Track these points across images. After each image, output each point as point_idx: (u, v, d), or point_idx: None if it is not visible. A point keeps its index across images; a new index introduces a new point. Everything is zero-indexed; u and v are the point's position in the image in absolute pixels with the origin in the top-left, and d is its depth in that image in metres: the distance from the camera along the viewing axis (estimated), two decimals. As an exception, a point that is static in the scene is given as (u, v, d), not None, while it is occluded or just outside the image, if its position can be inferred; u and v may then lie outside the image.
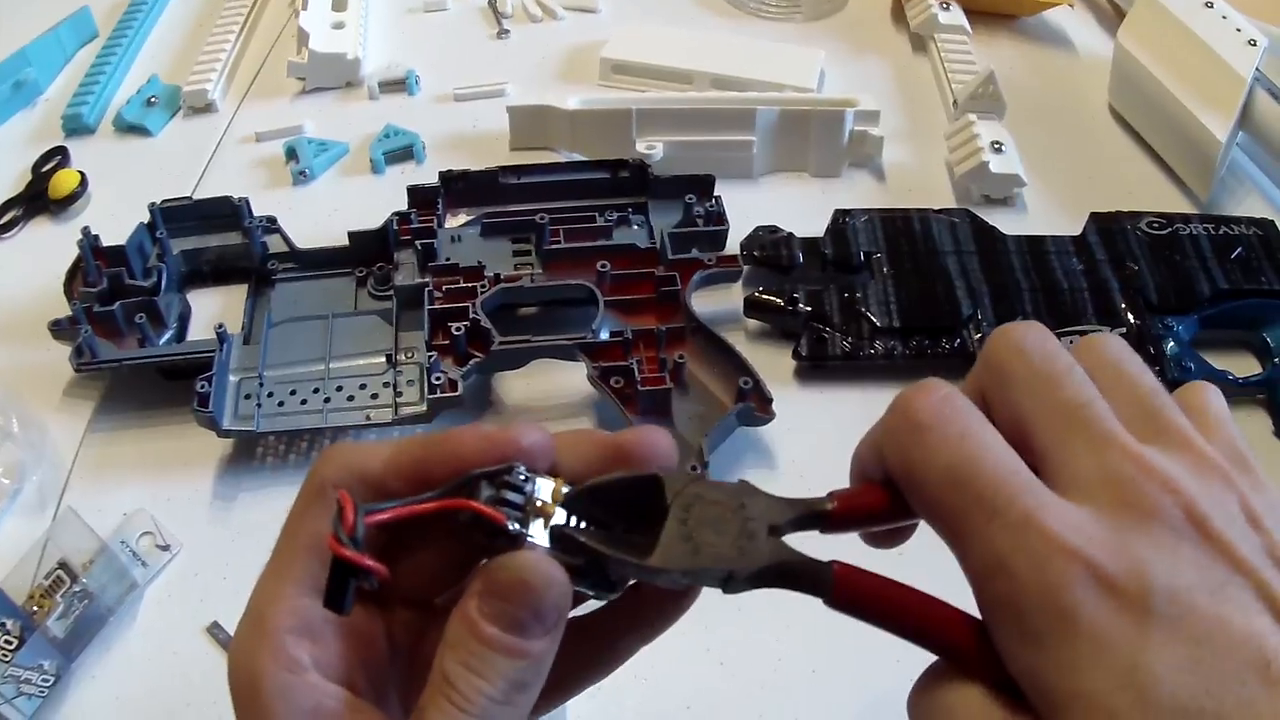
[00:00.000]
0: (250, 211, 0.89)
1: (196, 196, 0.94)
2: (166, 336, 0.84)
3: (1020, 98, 1.07)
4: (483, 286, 0.83)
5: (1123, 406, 0.36)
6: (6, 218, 0.98)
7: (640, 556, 0.37)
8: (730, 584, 0.37)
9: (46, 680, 0.66)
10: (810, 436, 0.81)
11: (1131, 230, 0.93)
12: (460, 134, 1.07)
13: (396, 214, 0.88)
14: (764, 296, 0.86)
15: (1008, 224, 0.94)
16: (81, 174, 1.00)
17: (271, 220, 0.89)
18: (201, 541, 0.75)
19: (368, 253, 0.88)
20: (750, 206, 0.94)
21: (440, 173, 0.92)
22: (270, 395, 0.79)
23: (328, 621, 0.38)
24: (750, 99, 1.00)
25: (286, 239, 0.89)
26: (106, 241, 0.86)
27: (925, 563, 0.39)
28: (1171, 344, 0.85)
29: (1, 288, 0.92)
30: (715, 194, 0.92)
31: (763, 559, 0.37)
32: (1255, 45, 0.98)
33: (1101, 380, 0.37)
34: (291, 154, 1.03)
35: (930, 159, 1.05)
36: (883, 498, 0.38)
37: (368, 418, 0.77)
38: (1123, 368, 0.38)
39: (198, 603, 0.72)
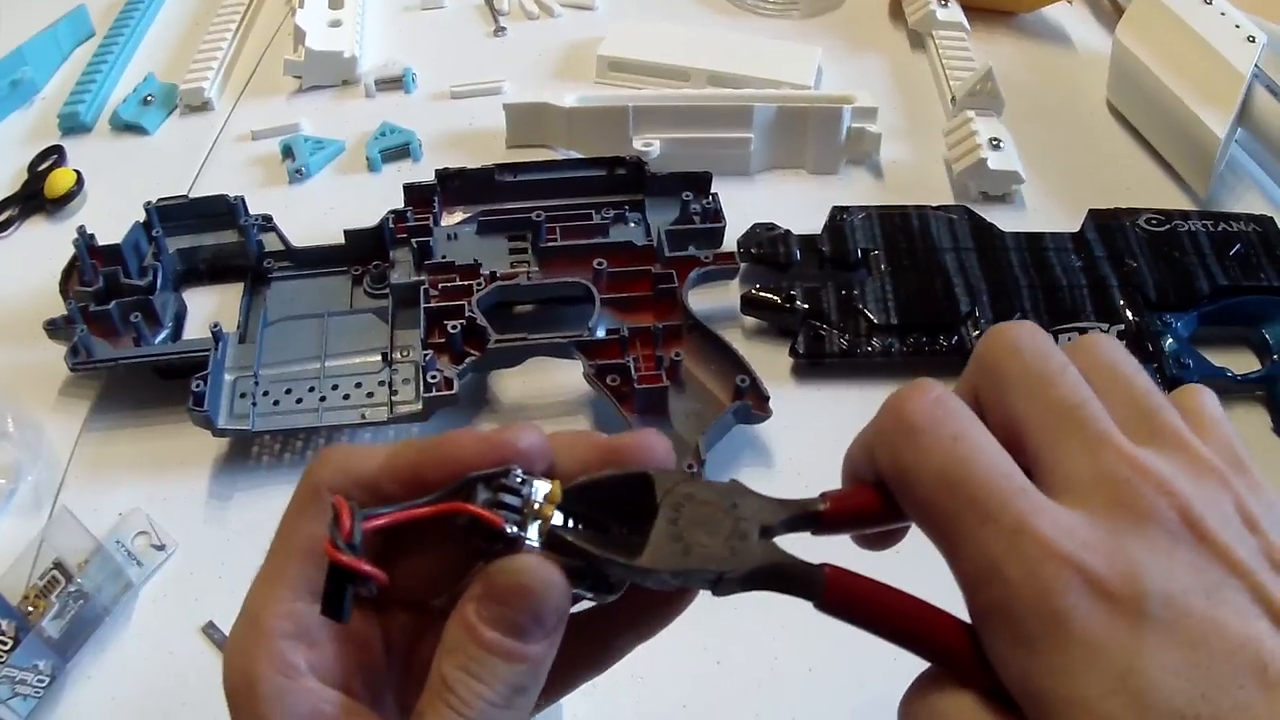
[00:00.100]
0: (246, 210, 0.89)
1: (193, 195, 0.94)
2: (162, 335, 0.84)
3: (1018, 95, 1.07)
4: (479, 284, 0.82)
5: (1118, 408, 0.36)
6: (2, 217, 0.98)
7: (630, 557, 0.36)
8: (720, 586, 0.37)
9: (42, 681, 0.66)
10: (808, 434, 0.81)
11: (1130, 227, 0.92)
12: (457, 132, 1.07)
13: (392, 212, 0.88)
14: (761, 294, 0.86)
15: (1006, 221, 0.94)
16: (78, 173, 1.00)
17: (267, 219, 0.89)
18: (197, 541, 0.75)
19: (364, 251, 0.87)
20: (747, 204, 0.94)
21: (436, 171, 0.92)
22: (266, 394, 0.79)
23: (324, 626, 0.38)
24: (747, 96, 1.00)
25: (282, 237, 0.88)
26: (103, 240, 0.86)
27: (918, 566, 0.39)
28: (1170, 341, 0.84)
29: (-3, 287, 0.91)
30: (712, 191, 0.92)
31: (754, 560, 0.36)
32: (1254, 42, 0.98)
33: (1096, 381, 0.37)
34: (288, 152, 1.03)
35: (928, 156, 1.05)
36: (875, 499, 0.38)
37: (363, 416, 0.77)
38: (1118, 368, 0.38)
39: (193, 602, 0.72)
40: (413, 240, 0.85)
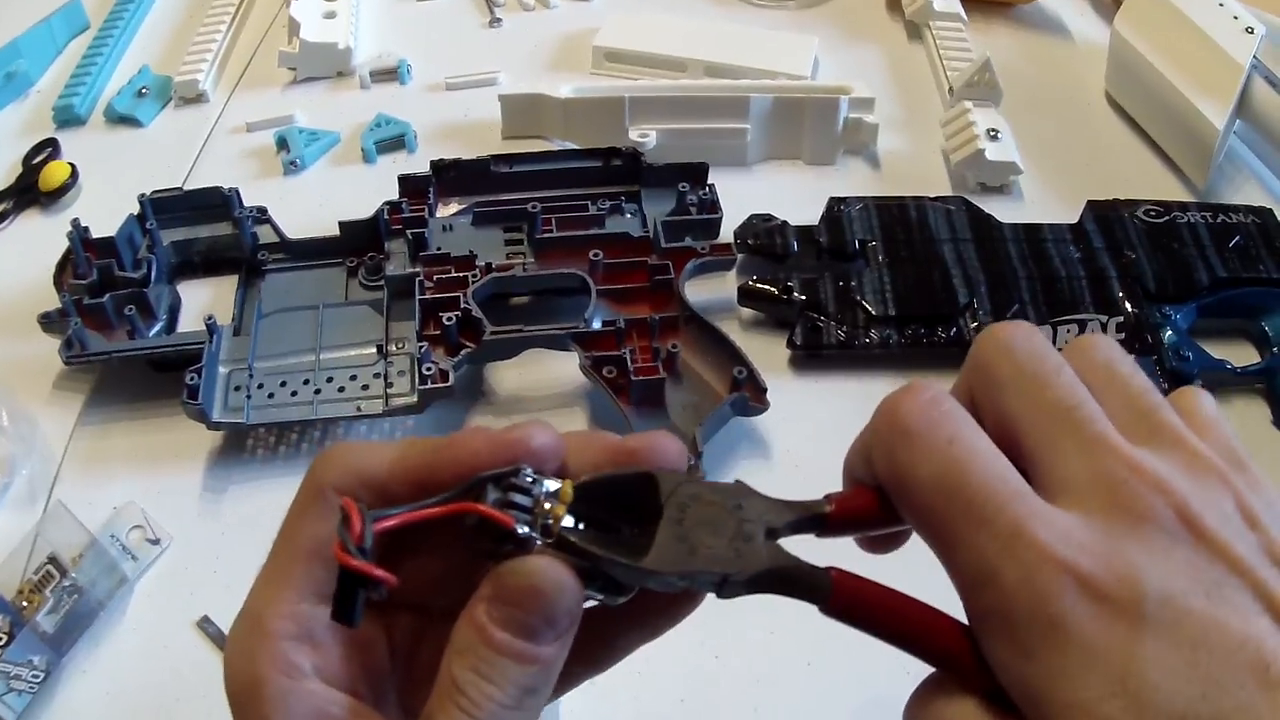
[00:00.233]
0: (240, 202, 0.89)
1: (187, 187, 0.93)
2: (156, 328, 0.84)
3: (1016, 85, 1.06)
4: (474, 276, 0.82)
5: (1115, 408, 0.36)
6: (-3, 210, 0.97)
7: (636, 558, 0.36)
8: (725, 588, 0.36)
9: (36, 676, 0.66)
10: (805, 426, 0.80)
11: (1129, 218, 0.92)
12: (452, 123, 1.06)
13: (387, 203, 0.87)
14: (758, 285, 0.86)
15: (1004, 212, 0.94)
16: (72, 166, 0.99)
17: (262, 210, 0.89)
18: (191, 535, 0.75)
19: (359, 242, 0.87)
20: (744, 194, 0.94)
21: (431, 162, 0.91)
22: (260, 387, 0.78)
23: (329, 628, 0.38)
24: (744, 86, 1.00)
25: (277, 229, 0.88)
26: (97, 233, 0.85)
27: (922, 568, 0.38)
28: (1169, 333, 0.84)
29: (-8, 281, 0.91)
30: (709, 182, 0.92)
31: (760, 563, 0.36)
32: (1253, 33, 0.98)
33: (1093, 382, 0.37)
34: (282, 144, 1.02)
35: (926, 147, 1.04)
36: (879, 501, 0.37)
37: (358, 409, 0.77)
38: (1114, 368, 0.38)
39: (188, 596, 0.71)
40: (408, 232, 0.85)
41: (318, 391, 0.78)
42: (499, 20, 1.19)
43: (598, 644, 0.41)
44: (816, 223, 0.91)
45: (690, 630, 0.41)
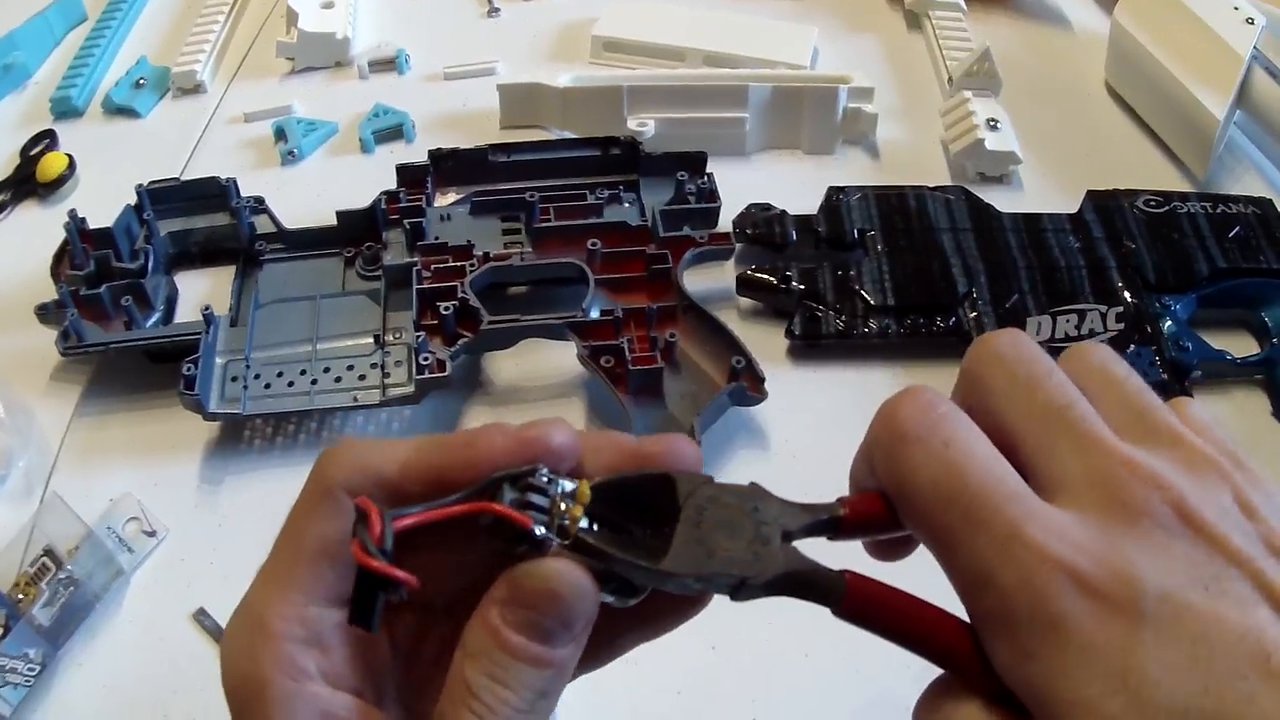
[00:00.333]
0: (238, 192, 0.88)
1: (185, 178, 0.93)
2: (153, 319, 0.84)
3: (1016, 75, 1.06)
4: (472, 265, 0.82)
5: (1111, 411, 0.36)
6: (-6, 202, 0.97)
7: (652, 560, 0.35)
8: (742, 591, 0.36)
9: (32, 669, 0.66)
10: (803, 416, 0.80)
11: (1129, 208, 0.92)
12: (450, 113, 1.06)
13: (385, 193, 0.87)
14: (757, 274, 0.86)
15: (1003, 202, 0.93)
16: (70, 157, 0.99)
17: (259, 201, 0.89)
18: (188, 526, 0.75)
19: (356, 232, 0.87)
20: (743, 184, 0.94)
21: (430, 151, 0.91)
22: (257, 377, 0.78)
23: (336, 630, 0.37)
24: (743, 76, 1.00)
25: (274, 219, 0.88)
26: (95, 224, 0.85)
27: (930, 569, 0.38)
28: (1169, 323, 0.84)
29: (-10, 272, 0.91)
30: (707, 171, 0.91)
31: (777, 566, 0.36)
32: (1253, 24, 0.97)
33: (1088, 386, 0.37)
34: (280, 134, 1.02)
35: (925, 136, 1.04)
36: (889, 505, 0.37)
37: (355, 399, 0.77)
38: (1109, 372, 0.38)
39: (184, 589, 0.71)
40: (405, 221, 0.85)
41: (314, 382, 0.78)
42: (497, 10, 1.19)
43: (599, 642, 0.40)
44: (815, 212, 0.91)
45: (687, 622, 0.41)
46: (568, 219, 0.87)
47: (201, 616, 0.69)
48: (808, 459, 0.77)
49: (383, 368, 0.79)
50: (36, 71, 1.13)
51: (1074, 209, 0.93)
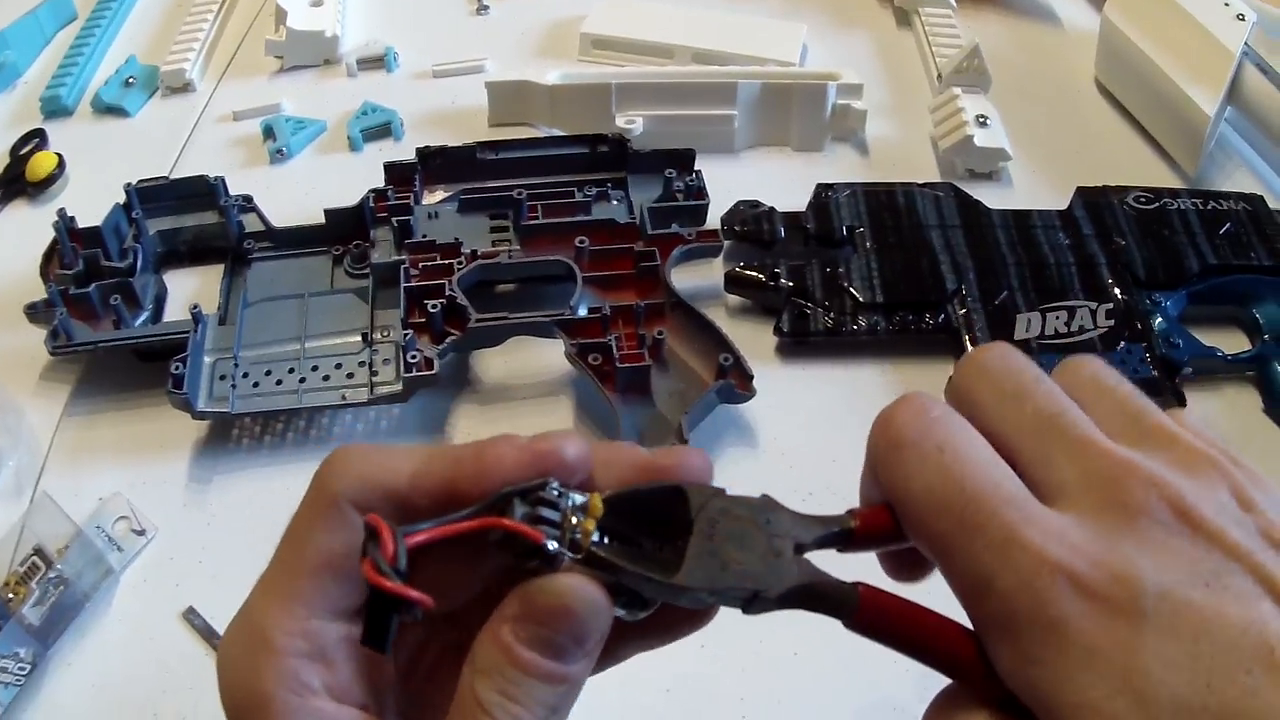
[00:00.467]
0: (226, 190, 0.88)
1: (174, 176, 0.93)
2: (142, 318, 0.84)
3: (1005, 72, 1.06)
4: (459, 263, 0.82)
5: (1104, 417, 0.36)
6: (-16, 201, 0.97)
7: (665, 573, 0.35)
8: (754, 604, 0.36)
9: (23, 669, 0.65)
10: (792, 414, 0.80)
11: (1119, 205, 0.92)
12: (439, 111, 1.06)
13: (373, 191, 0.87)
14: (745, 272, 0.86)
15: (993, 198, 0.93)
16: (59, 156, 0.99)
17: (248, 199, 0.88)
18: (177, 526, 0.74)
19: (344, 230, 0.87)
20: (731, 181, 0.94)
21: (417, 149, 0.91)
22: (245, 376, 0.78)
23: (341, 645, 0.37)
24: (731, 73, 0.99)
25: (263, 218, 0.88)
26: (85, 223, 0.85)
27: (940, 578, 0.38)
28: (1160, 320, 0.84)
29: (-21, 271, 0.91)
30: (696, 168, 0.91)
31: (791, 578, 0.36)
32: (1244, 20, 0.97)
33: (1081, 397, 0.37)
34: (269, 132, 1.02)
35: (914, 133, 1.04)
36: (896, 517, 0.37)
37: (343, 398, 0.77)
38: (1100, 381, 0.38)
39: (173, 588, 0.71)
40: (393, 219, 0.85)
41: (303, 380, 0.78)
42: (486, 7, 1.19)
43: (601, 651, 0.40)
44: (804, 209, 0.91)
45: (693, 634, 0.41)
46: (556, 216, 0.86)
47: (191, 615, 0.69)
48: (796, 456, 0.77)
49: (371, 366, 0.79)
50: (26, 70, 1.13)
51: (1064, 205, 0.93)
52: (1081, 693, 0.31)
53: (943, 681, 0.36)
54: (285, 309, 0.83)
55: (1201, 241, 0.89)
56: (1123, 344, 0.82)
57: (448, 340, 0.78)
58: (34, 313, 0.82)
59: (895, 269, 0.86)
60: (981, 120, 0.97)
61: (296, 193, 0.96)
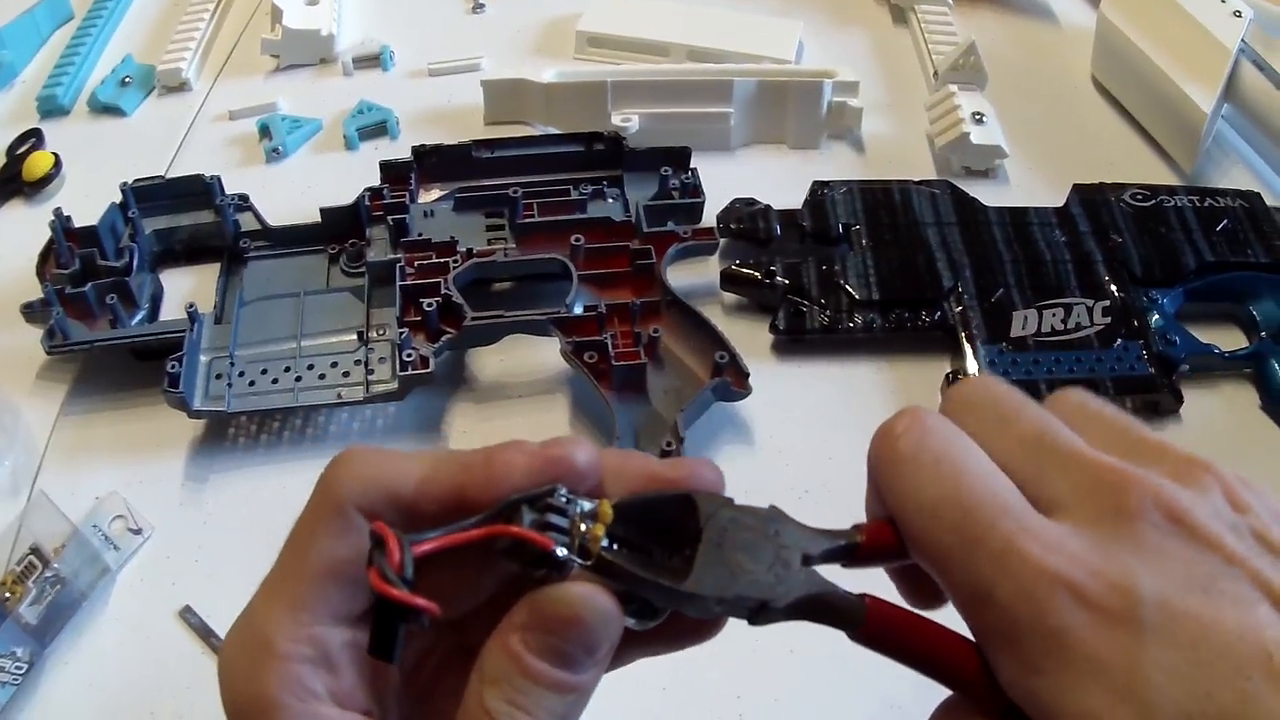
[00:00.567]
0: (222, 189, 0.88)
1: (170, 176, 0.93)
2: (139, 317, 0.83)
3: (1002, 69, 1.06)
4: (455, 262, 0.82)
5: (1094, 435, 0.36)
6: (-20, 200, 0.97)
7: (674, 582, 0.35)
8: (761, 614, 0.36)
9: (20, 668, 0.65)
10: (788, 412, 0.80)
11: (1115, 202, 0.92)
12: (435, 109, 1.06)
13: (369, 190, 0.87)
14: (741, 269, 0.86)
15: (989, 196, 0.93)
16: (56, 156, 0.99)
17: (244, 198, 0.89)
18: (173, 524, 0.74)
19: (340, 229, 0.87)
20: (727, 178, 0.94)
21: (413, 147, 0.91)
22: (241, 375, 0.78)
23: (346, 650, 0.36)
24: (727, 70, 0.99)
25: (259, 216, 0.88)
26: (82, 222, 0.85)
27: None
28: (1156, 317, 0.84)
29: (-24, 271, 0.91)
30: (691, 166, 0.91)
31: (799, 589, 0.36)
32: (1240, 17, 0.97)
33: (1070, 421, 0.37)
34: (265, 131, 1.02)
35: (910, 130, 1.04)
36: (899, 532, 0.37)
37: (339, 396, 0.77)
38: (1088, 408, 0.38)
39: (170, 587, 0.71)
40: (389, 218, 0.85)
41: (299, 379, 0.78)
42: (482, 6, 1.18)
43: None
44: (800, 207, 0.91)
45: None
46: (551, 214, 0.86)
47: (187, 614, 0.69)
48: (793, 454, 0.78)
49: (367, 364, 0.79)
50: (23, 70, 1.13)
51: (1060, 203, 0.93)
52: (1083, 703, 0.31)
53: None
54: (281, 308, 0.83)
55: (1198, 238, 0.89)
56: (1120, 341, 0.82)
57: (443, 339, 0.78)
58: (30, 312, 0.82)
59: (891, 266, 0.86)
60: (978, 118, 0.97)
61: (292, 191, 0.96)
